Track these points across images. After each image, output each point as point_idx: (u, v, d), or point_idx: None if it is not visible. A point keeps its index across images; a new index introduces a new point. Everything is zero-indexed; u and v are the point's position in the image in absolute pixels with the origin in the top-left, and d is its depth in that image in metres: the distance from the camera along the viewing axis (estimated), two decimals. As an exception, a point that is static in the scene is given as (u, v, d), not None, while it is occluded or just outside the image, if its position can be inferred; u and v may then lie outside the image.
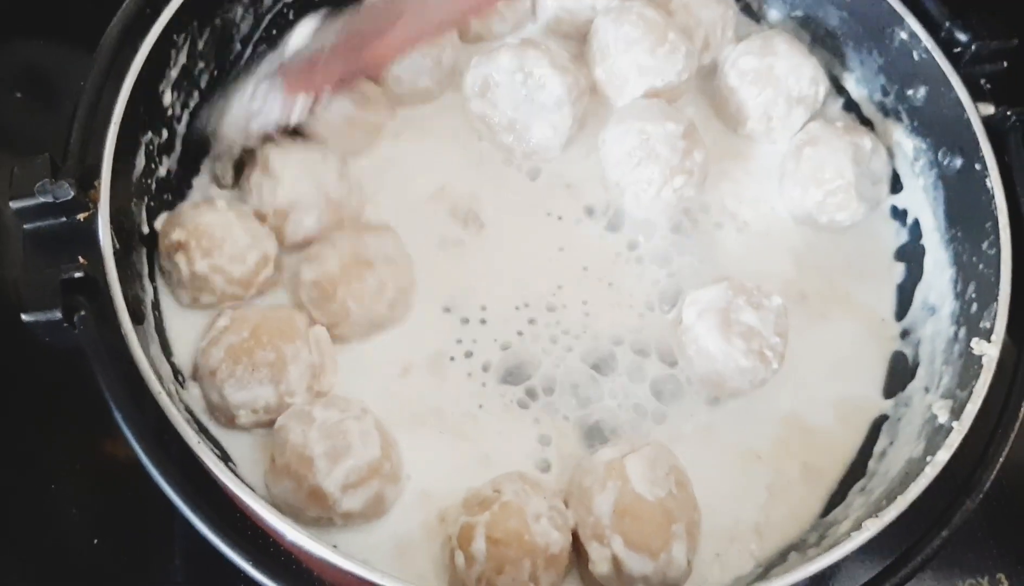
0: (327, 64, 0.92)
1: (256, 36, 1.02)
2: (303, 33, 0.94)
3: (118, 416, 0.71)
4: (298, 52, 0.93)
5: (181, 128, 0.95)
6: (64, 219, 0.78)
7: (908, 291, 0.98)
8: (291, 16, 1.04)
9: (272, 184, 0.90)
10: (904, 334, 0.96)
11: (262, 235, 0.89)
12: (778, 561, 0.83)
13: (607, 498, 0.78)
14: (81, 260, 0.76)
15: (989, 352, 0.82)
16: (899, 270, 1.00)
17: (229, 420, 0.83)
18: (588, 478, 0.80)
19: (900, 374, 0.94)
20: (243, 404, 0.82)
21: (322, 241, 0.90)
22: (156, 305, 0.87)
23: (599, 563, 0.77)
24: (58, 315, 0.72)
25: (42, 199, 0.76)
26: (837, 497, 0.88)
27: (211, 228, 0.86)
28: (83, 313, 0.73)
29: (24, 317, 0.73)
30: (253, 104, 0.91)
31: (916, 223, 1.00)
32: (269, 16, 1.03)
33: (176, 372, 0.85)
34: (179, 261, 0.86)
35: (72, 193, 0.77)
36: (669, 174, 0.94)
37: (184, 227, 0.86)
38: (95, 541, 0.89)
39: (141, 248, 0.87)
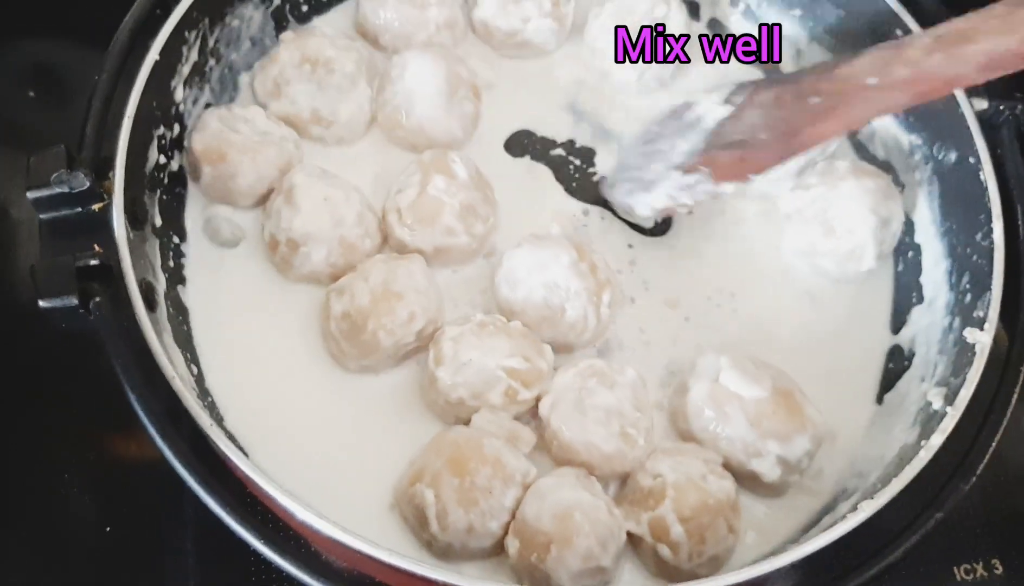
0: (762, 150, 0.88)
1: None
2: (720, 111, 0.90)
3: (132, 398, 0.73)
4: (719, 130, 0.89)
5: (192, 123, 0.97)
6: (79, 209, 0.80)
7: (904, 284, 1.00)
8: (305, 9, 1.07)
9: (291, 213, 0.90)
10: (899, 328, 0.98)
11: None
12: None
13: (737, 416, 0.83)
14: (96, 248, 0.78)
15: (982, 340, 0.83)
16: (896, 263, 1.02)
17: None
18: (699, 419, 0.85)
19: (896, 368, 0.95)
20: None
21: (351, 273, 0.89)
22: (168, 295, 0.88)
23: (769, 472, 0.83)
24: (74, 301, 0.74)
25: (58, 189, 0.79)
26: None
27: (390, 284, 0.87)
28: (98, 299, 0.75)
29: (41, 303, 0.75)
30: (679, 194, 0.91)
31: (911, 216, 1.01)
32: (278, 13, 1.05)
33: (190, 363, 0.86)
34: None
35: (88, 183, 0.79)
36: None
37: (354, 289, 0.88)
38: (107, 529, 0.90)
39: (154, 240, 0.89)
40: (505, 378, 0.84)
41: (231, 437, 0.83)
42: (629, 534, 0.80)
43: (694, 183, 0.90)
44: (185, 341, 0.88)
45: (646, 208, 0.95)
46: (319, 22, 1.09)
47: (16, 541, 0.90)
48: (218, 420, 0.83)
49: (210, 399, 0.86)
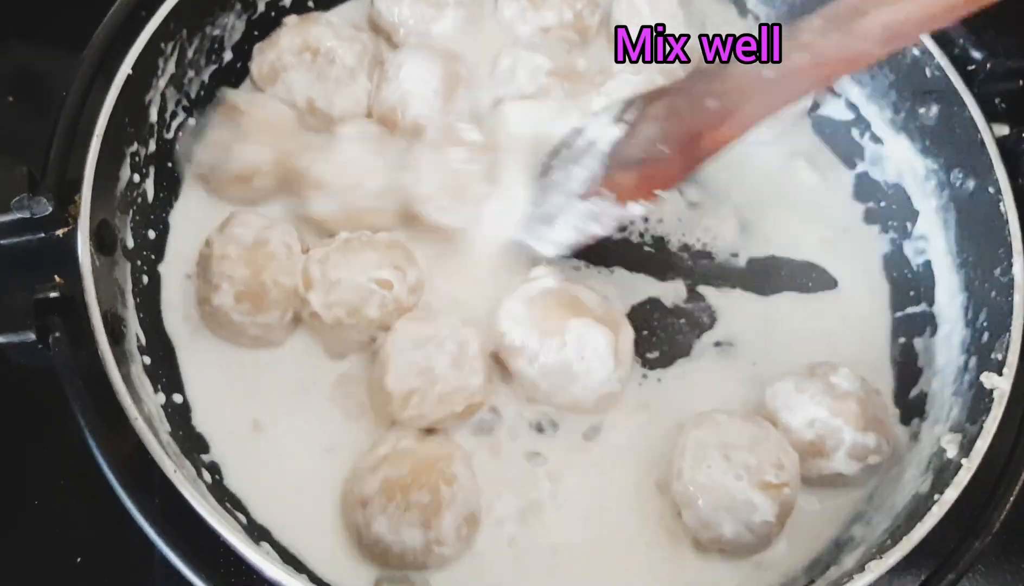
0: (665, 164, 0.83)
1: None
2: (612, 132, 0.86)
3: (93, 445, 0.69)
4: (615, 151, 0.85)
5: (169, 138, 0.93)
6: (42, 234, 0.77)
7: (920, 316, 0.96)
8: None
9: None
10: (913, 359, 0.94)
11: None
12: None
13: None
14: (57, 279, 0.74)
15: (1000, 386, 0.79)
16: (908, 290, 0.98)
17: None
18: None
19: (910, 407, 0.91)
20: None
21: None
22: (143, 322, 0.84)
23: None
24: (31, 337, 0.71)
25: (19, 214, 0.75)
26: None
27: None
28: (57, 334, 0.72)
29: (-4, 337, 0.71)
30: (585, 224, 0.87)
31: (926, 246, 0.97)
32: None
33: (157, 390, 0.82)
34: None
35: (50, 208, 0.75)
36: None
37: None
38: (78, 560, 0.88)
39: (125, 263, 0.85)
40: (379, 290, 0.85)
41: (212, 469, 0.82)
42: None
43: (599, 210, 0.86)
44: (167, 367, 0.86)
45: (550, 245, 0.90)
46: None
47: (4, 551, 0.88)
48: (202, 450, 0.82)
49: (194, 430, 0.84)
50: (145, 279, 0.87)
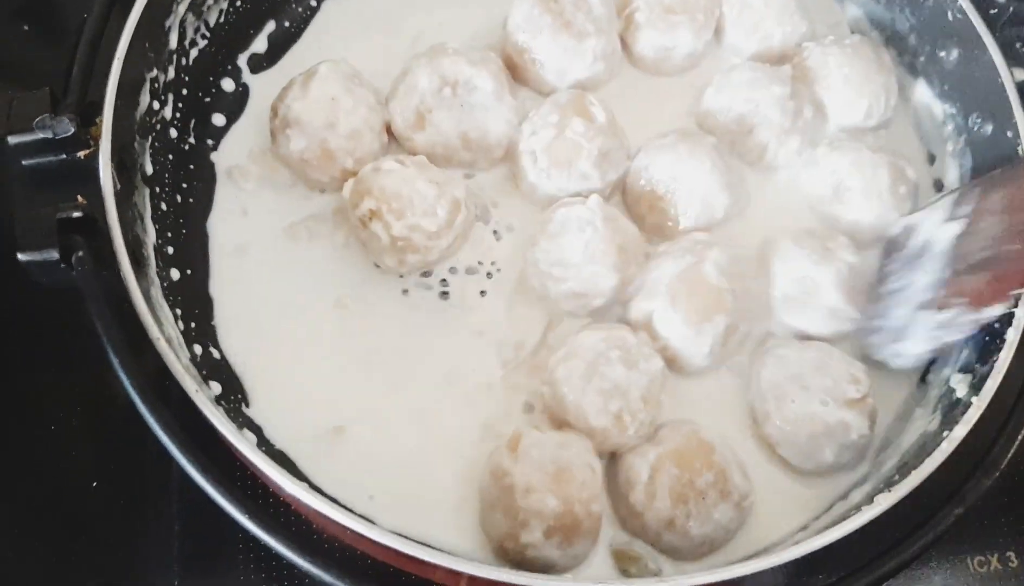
0: (1017, 264, 0.78)
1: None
2: (949, 230, 0.82)
3: (115, 362, 0.69)
4: (957, 252, 0.81)
5: (189, 66, 0.93)
6: (64, 156, 0.76)
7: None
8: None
9: (299, 93, 0.90)
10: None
11: (447, 181, 0.87)
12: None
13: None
14: (80, 199, 0.74)
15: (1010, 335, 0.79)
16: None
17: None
18: None
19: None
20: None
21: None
22: (159, 248, 0.85)
23: None
24: (55, 255, 0.71)
25: (41, 135, 0.75)
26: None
27: (397, 189, 0.85)
28: (81, 253, 0.72)
29: (20, 256, 0.71)
30: (941, 334, 0.82)
31: (942, 188, 0.97)
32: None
33: (177, 318, 0.83)
34: (377, 230, 0.85)
35: (72, 129, 0.75)
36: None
37: (372, 194, 0.85)
38: (94, 484, 0.88)
39: (144, 188, 0.85)
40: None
41: (233, 398, 0.82)
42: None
43: (952, 319, 0.80)
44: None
45: (908, 359, 0.85)
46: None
47: (1, 498, 0.88)
48: (228, 372, 0.83)
49: (219, 351, 0.85)
50: (164, 206, 0.88)
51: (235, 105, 0.97)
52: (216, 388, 0.81)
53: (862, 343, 0.87)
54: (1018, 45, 0.92)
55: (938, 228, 0.83)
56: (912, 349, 0.84)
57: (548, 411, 0.82)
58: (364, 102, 0.90)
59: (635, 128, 0.95)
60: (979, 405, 0.76)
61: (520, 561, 0.74)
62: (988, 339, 0.82)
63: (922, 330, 0.82)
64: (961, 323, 0.80)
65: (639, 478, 0.77)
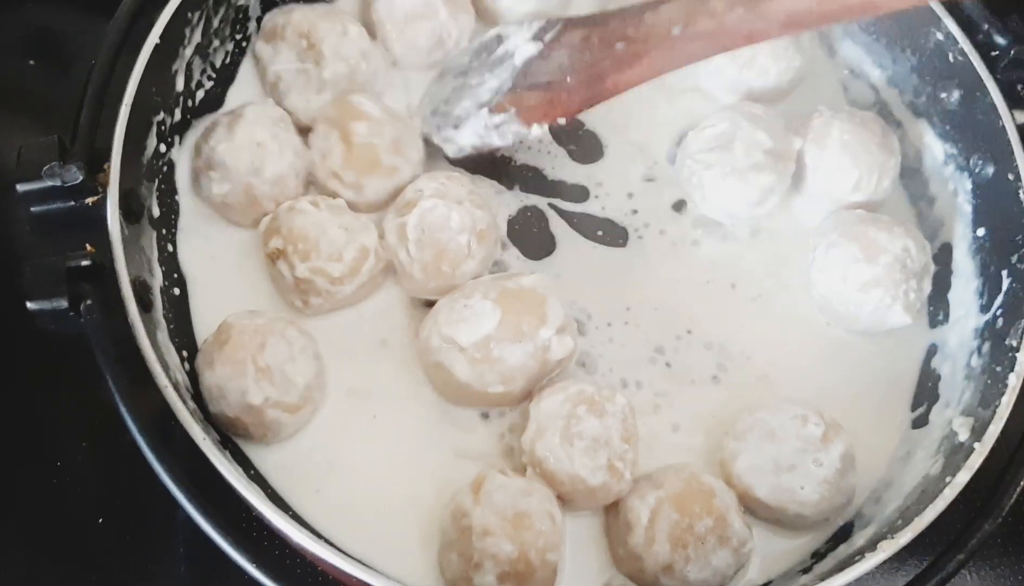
0: (568, 94, 0.88)
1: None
2: (529, 48, 0.89)
3: (123, 409, 0.70)
4: (527, 68, 0.89)
5: (195, 107, 0.93)
6: (72, 203, 0.77)
7: (934, 298, 0.95)
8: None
9: (224, 135, 0.88)
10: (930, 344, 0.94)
11: (358, 228, 0.87)
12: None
13: None
14: (88, 247, 0.75)
15: (1015, 372, 0.80)
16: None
17: None
18: None
19: (923, 387, 0.92)
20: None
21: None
22: (165, 290, 0.85)
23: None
24: (64, 304, 0.72)
25: (49, 182, 0.75)
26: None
27: (306, 230, 0.84)
28: (89, 302, 0.72)
29: (29, 305, 0.72)
30: (488, 134, 0.90)
31: (944, 229, 0.97)
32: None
33: (184, 359, 0.83)
34: (282, 269, 0.84)
35: (81, 177, 0.76)
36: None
37: (280, 233, 0.85)
38: (100, 520, 0.89)
39: (151, 231, 0.85)
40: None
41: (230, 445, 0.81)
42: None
43: (502, 123, 0.89)
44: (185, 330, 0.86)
45: (453, 147, 0.93)
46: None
47: (5, 527, 0.88)
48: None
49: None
50: (171, 247, 0.88)
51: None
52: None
53: (426, 125, 0.94)
54: (1019, 88, 0.92)
55: (522, 44, 0.89)
56: (461, 139, 0.92)
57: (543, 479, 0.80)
58: (290, 146, 0.90)
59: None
60: (981, 451, 0.77)
61: None
62: (990, 383, 0.82)
63: (474, 125, 0.90)
64: (508, 130, 0.89)
65: (638, 521, 0.78)
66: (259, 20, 0.99)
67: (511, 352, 0.81)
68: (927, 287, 0.92)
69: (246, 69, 0.99)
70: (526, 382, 0.82)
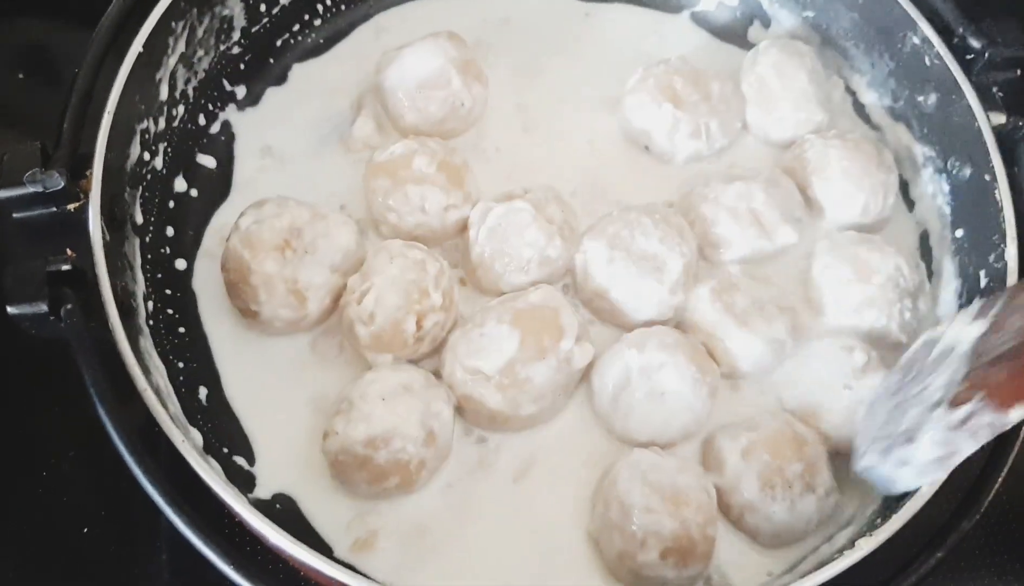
0: None
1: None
2: (973, 330, 0.75)
3: (102, 413, 0.70)
4: (978, 349, 0.73)
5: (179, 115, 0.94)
6: (54, 209, 0.78)
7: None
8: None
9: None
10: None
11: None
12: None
13: None
14: (69, 252, 0.75)
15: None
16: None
17: None
18: None
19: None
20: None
21: None
22: (148, 296, 0.86)
23: None
24: (44, 308, 0.72)
25: (32, 189, 0.76)
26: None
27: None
28: (69, 306, 0.73)
29: (9, 309, 0.72)
30: (954, 437, 0.72)
31: (924, 231, 0.98)
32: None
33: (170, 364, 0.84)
34: None
35: (62, 183, 0.76)
36: None
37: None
38: (84, 529, 0.89)
39: (134, 238, 0.86)
40: None
41: (220, 450, 0.82)
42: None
43: (969, 416, 0.71)
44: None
45: (914, 474, 0.75)
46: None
47: (12, 520, 0.89)
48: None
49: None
50: (154, 255, 0.89)
51: (223, 148, 0.98)
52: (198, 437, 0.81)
53: (866, 460, 0.79)
54: (994, 90, 0.93)
55: (962, 330, 0.76)
56: (920, 454, 0.74)
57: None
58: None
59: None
60: (960, 451, 0.76)
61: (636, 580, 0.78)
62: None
63: (933, 432, 0.73)
64: (979, 423, 0.71)
65: (728, 460, 0.81)
66: (244, 31, 1.00)
67: (537, 371, 0.81)
68: (922, 306, 0.92)
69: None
70: (554, 396, 0.83)
